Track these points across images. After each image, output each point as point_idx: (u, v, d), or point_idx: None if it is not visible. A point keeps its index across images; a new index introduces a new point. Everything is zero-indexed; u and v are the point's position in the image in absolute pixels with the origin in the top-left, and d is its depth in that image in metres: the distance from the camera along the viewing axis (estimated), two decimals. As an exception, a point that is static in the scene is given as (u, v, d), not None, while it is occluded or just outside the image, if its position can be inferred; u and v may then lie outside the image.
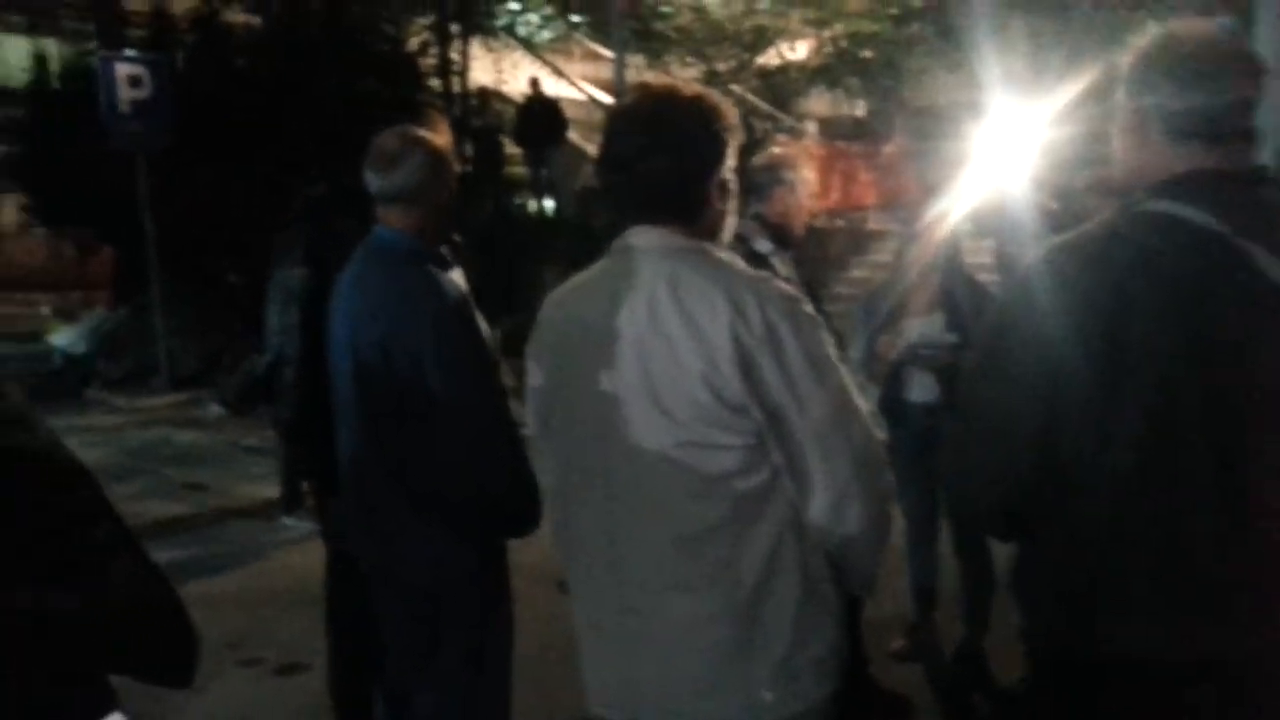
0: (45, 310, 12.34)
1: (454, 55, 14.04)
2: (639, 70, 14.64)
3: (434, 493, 2.27)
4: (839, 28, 15.85)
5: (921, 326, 3.49)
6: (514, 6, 16.75)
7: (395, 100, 9.75)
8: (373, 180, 2.35)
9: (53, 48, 12.26)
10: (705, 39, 16.86)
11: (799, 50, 16.92)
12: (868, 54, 15.87)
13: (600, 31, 16.77)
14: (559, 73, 15.82)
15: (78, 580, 1.05)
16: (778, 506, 1.56)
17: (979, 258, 3.72)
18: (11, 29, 14.52)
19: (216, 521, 5.88)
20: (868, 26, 15.46)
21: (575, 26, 18.20)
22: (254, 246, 4.59)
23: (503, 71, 15.35)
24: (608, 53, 15.00)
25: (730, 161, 1.65)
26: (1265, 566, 1.40)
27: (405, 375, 2.21)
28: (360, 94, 9.92)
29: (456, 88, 13.83)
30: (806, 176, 3.26)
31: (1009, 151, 3.48)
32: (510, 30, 16.56)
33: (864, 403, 1.63)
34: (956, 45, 12.79)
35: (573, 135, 14.03)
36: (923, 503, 3.63)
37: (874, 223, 12.61)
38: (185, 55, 10.95)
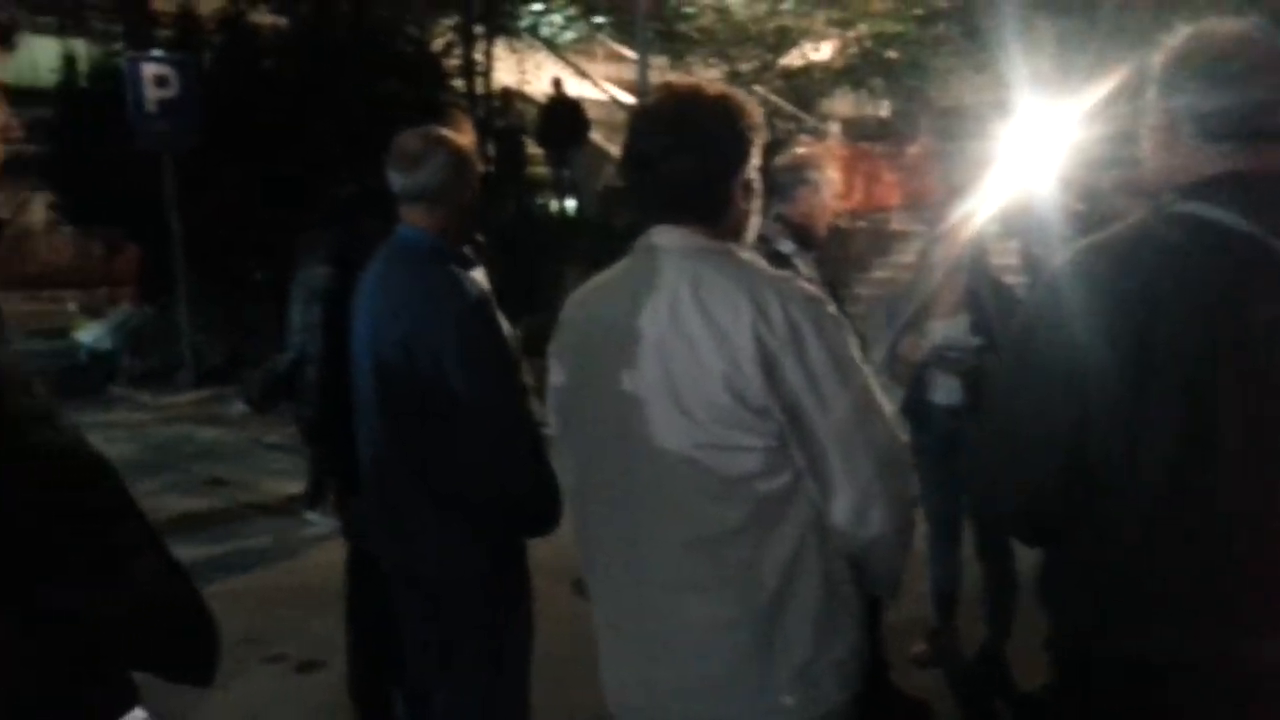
0: (72, 307, 12.49)
1: (478, 56, 14.08)
2: (662, 71, 14.62)
3: (456, 492, 2.27)
4: (863, 28, 15.77)
5: (946, 328, 3.46)
6: (537, 7, 16.77)
7: (419, 101, 9.79)
8: (396, 180, 2.35)
9: (81, 48, 12.38)
10: (728, 40, 16.82)
11: (823, 51, 16.85)
12: (892, 54, 15.79)
13: (623, 32, 16.76)
14: (582, 73, 15.83)
15: (100, 577, 1.05)
16: (800, 509, 1.54)
17: (1005, 259, 3.69)
18: (41, 30, 14.68)
19: (238, 518, 5.91)
20: (892, 27, 15.37)
21: (598, 27, 18.21)
22: (279, 245, 4.62)
23: (526, 72, 15.38)
24: (631, 53, 15.01)
25: (754, 161, 1.64)
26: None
27: (427, 375, 2.21)
28: (385, 95, 9.96)
29: (480, 88, 13.88)
30: (830, 177, 3.24)
31: (1035, 152, 3.45)
32: (534, 31, 16.59)
33: (887, 404, 1.61)
34: (982, 45, 12.71)
35: (595, 136, 14.05)
36: (945, 506, 3.61)
37: (897, 223, 12.56)
38: (212, 56, 11.05)
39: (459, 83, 13.15)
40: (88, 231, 12.88)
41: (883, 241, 12.01)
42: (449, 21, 14.24)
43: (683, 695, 1.61)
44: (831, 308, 1.57)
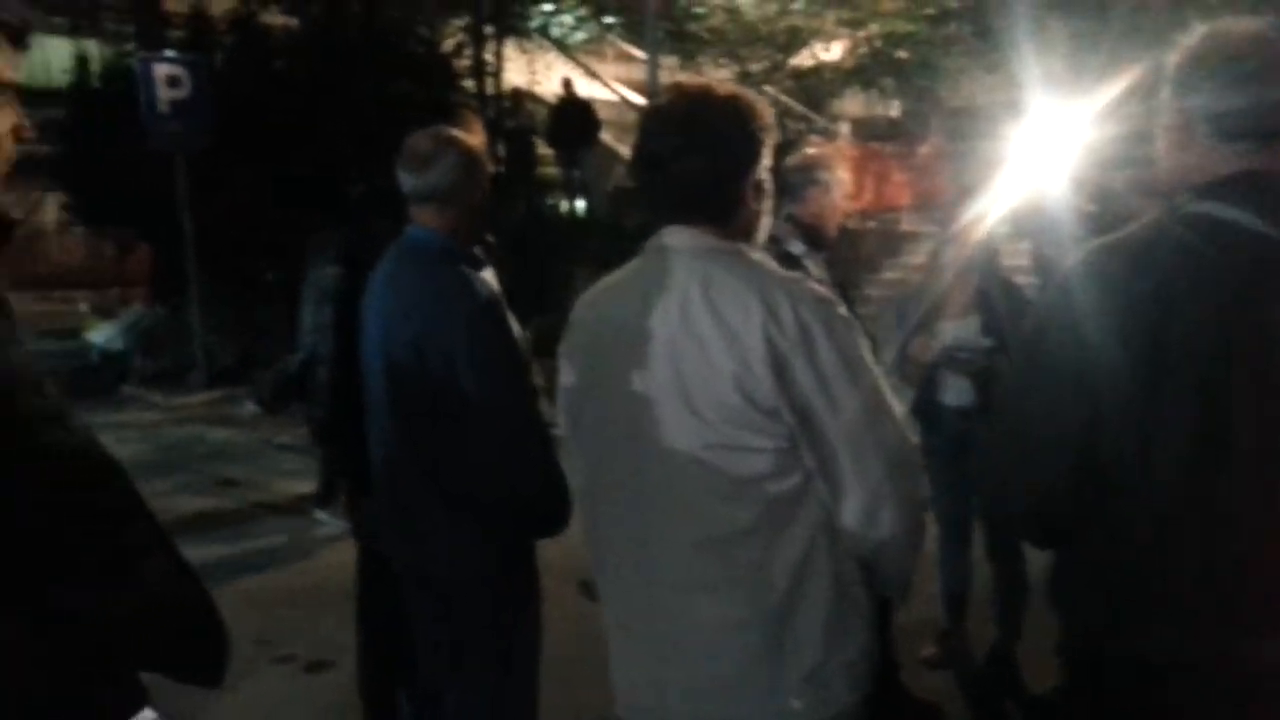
0: (84, 308, 12.55)
1: (488, 57, 14.10)
2: (672, 71, 14.62)
3: (466, 493, 2.27)
4: (874, 28, 15.73)
5: (957, 329, 3.45)
6: (548, 8, 16.80)
7: (430, 101, 9.80)
8: (406, 180, 2.35)
9: (94, 49, 12.43)
10: (739, 40, 16.79)
11: (833, 51, 16.81)
12: (903, 54, 15.74)
13: (634, 33, 16.77)
14: (592, 74, 15.84)
15: (111, 578, 1.05)
16: (810, 510, 1.54)
17: (1016, 260, 3.68)
18: (54, 30, 14.75)
19: (249, 518, 5.93)
20: (903, 27, 15.32)
21: (609, 28, 18.22)
22: (290, 246, 4.63)
23: (536, 73, 15.39)
24: (641, 54, 15.01)
25: (765, 162, 1.64)
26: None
27: (438, 375, 2.21)
28: (396, 96, 9.98)
29: (490, 89, 13.90)
30: (841, 177, 3.23)
31: (1047, 152, 3.44)
32: (544, 32, 16.61)
33: (898, 406, 1.61)
34: (994, 45, 12.66)
35: (605, 136, 14.05)
36: (956, 507, 3.60)
37: (907, 224, 12.52)
38: (224, 56, 11.08)
39: (469, 83, 13.17)
40: (100, 232, 12.94)
41: (893, 242, 11.97)
42: (459, 22, 14.26)
43: (692, 696, 1.61)
44: (842, 309, 1.57)
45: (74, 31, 14.42)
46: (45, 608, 1.01)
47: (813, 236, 3.16)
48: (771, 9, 16.62)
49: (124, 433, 7.65)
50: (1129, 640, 1.46)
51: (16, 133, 1.18)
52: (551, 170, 14.32)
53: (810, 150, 3.39)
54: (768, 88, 14.50)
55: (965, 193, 3.56)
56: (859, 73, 16.50)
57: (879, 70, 16.33)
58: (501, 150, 12.59)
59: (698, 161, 1.57)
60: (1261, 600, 1.38)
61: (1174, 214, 1.44)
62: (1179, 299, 1.36)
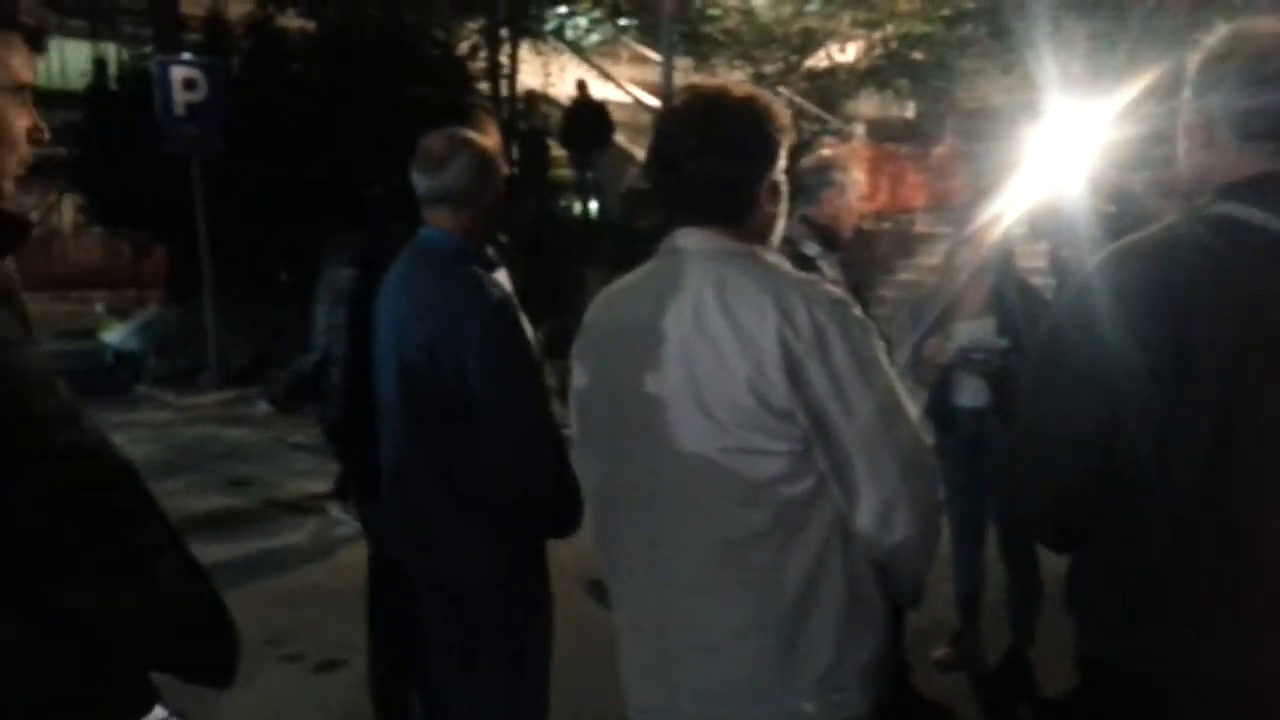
0: (100, 308, 12.65)
1: (503, 59, 14.14)
2: (686, 73, 14.63)
3: (478, 494, 2.27)
4: (890, 29, 15.69)
5: (972, 330, 3.44)
6: (563, 10, 16.83)
7: (446, 104, 9.84)
8: (420, 181, 2.35)
9: (112, 52, 12.53)
10: (753, 41, 16.78)
11: (848, 52, 16.78)
12: (918, 55, 15.70)
13: (648, 34, 16.79)
14: (606, 76, 15.86)
15: (121, 578, 1.05)
16: (823, 513, 1.53)
17: (1031, 261, 3.66)
18: (73, 34, 14.86)
19: (263, 518, 5.95)
20: (919, 28, 15.29)
21: (623, 30, 18.24)
22: (305, 248, 4.65)
23: (550, 75, 15.43)
24: (655, 56, 15.02)
25: (781, 163, 1.63)
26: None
27: (451, 377, 2.21)
28: (412, 98, 10.01)
29: (504, 91, 13.93)
30: (856, 178, 3.23)
31: (1064, 153, 3.42)
32: (559, 34, 16.65)
33: (913, 408, 1.60)
34: (1009, 46, 12.61)
35: (619, 138, 14.07)
36: (970, 508, 3.58)
37: (922, 225, 12.49)
38: (240, 59, 11.15)
39: (484, 85, 13.21)
40: (116, 233, 13.03)
41: (907, 243, 11.94)
42: (475, 25, 14.31)
43: (704, 698, 1.60)
44: (857, 310, 1.55)
45: (92, 35, 14.54)
46: (54, 607, 1.01)
47: (827, 238, 3.15)
48: (786, 10, 16.61)
49: (138, 432, 7.69)
50: (1143, 642, 1.45)
51: (32, 134, 1.18)
52: (565, 172, 14.35)
53: (825, 151, 3.38)
54: (782, 89, 14.48)
55: (981, 194, 3.55)
56: (874, 74, 16.47)
57: (894, 71, 16.30)
58: (515, 152, 12.62)
59: (713, 163, 1.56)
60: (1278, 602, 1.37)
61: (1194, 215, 1.43)
62: (1199, 300, 1.35)
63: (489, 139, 2.51)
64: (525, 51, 15.15)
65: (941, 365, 3.43)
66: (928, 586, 1.69)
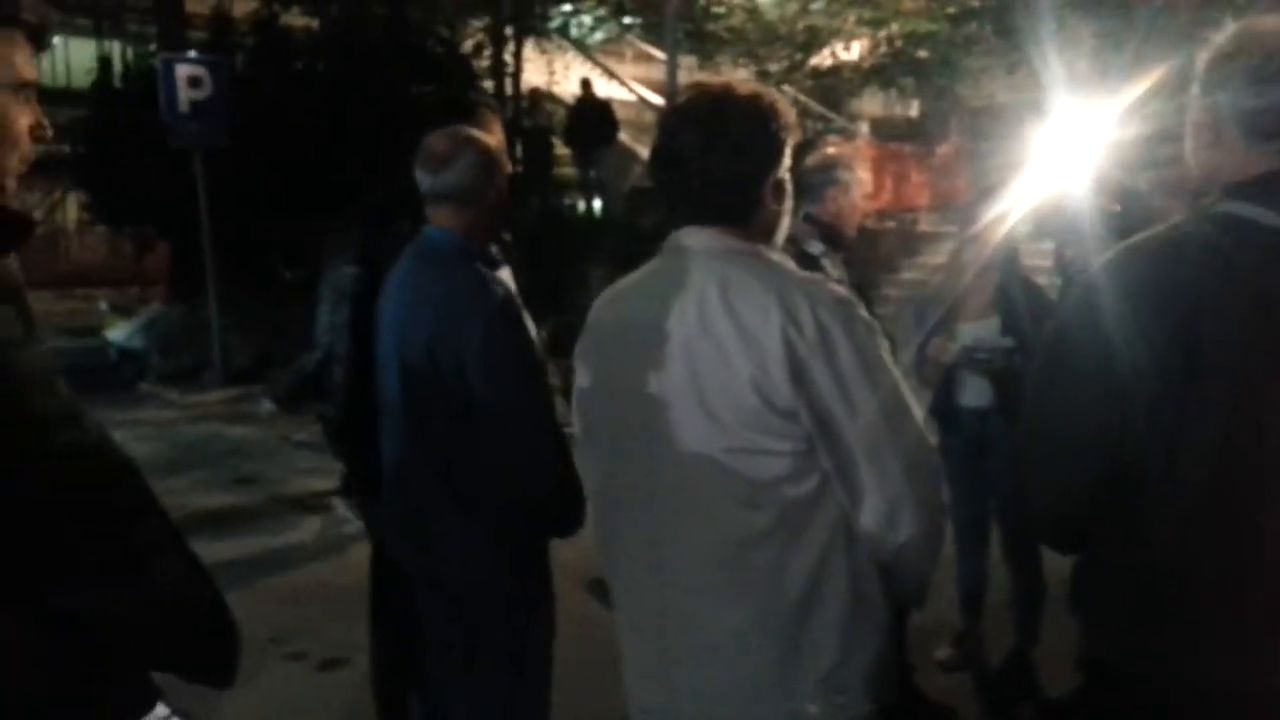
0: (104, 306, 12.68)
1: (507, 57, 14.14)
2: (691, 71, 14.61)
3: (479, 494, 2.27)
4: (895, 27, 15.67)
5: (976, 330, 3.43)
6: (567, 8, 16.82)
7: (450, 102, 9.84)
8: (423, 180, 2.34)
9: (117, 50, 12.55)
10: (758, 40, 16.77)
11: (853, 50, 16.76)
12: (923, 54, 15.68)
13: (652, 33, 16.78)
14: (611, 74, 15.86)
15: (121, 577, 1.05)
16: (827, 513, 1.52)
17: (1036, 260, 3.65)
18: (78, 32, 14.89)
19: (266, 516, 5.95)
20: (924, 26, 15.26)
21: (628, 28, 18.23)
22: (308, 245, 4.65)
23: (555, 73, 15.43)
24: (660, 54, 15.01)
25: (786, 162, 1.61)
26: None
27: (452, 376, 2.20)
28: (416, 96, 10.02)
29: (509, 89, 13.94)
30: (861, 177, 3.22)
31: (1069, 152, 3.40)
32: (563, 32, 16.64)
33: (917, 408, 1.59)
34: (1015, 44, 12.59)
35: (623, 136, 14.08)
36: (973, 508, 3.58)
37: (925, 224, 12.48)
38: (245, 57, 11.17)
39: (488, 83, 13.22)
40: (119, 231, 13.05)
41: (911, 242, 11.93)
42: (479, 23, 14.31)
43: (706, 700, 1.59)
44: (862, 310, 1.54)
45: (97, 33, 14.56)
46: (54, 607, 1.00)
47: (831, 236, 3.15)
48: (791, 8, 16.59)
49: (141, 430, 7.69)
50: (1148, 643, 1.44)
51: (34, 131, 1.18)
52: (569, 170, 14.36)
53: (829, 150, 3.37)
54: (787, 87, 14.48)
55: (985, 193, 3.54)
56: (879, 72, 16.45)
57: (899, 70, 16.28)
58: (519, 150, 12.63)
59: (718, 161, 1.55)
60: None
61: (1201, 214, 1.43)
62: (1206, 299, 1.34)
63: (493, 137, 2.50)
64: (530, 49, 15.15)
65: (945, 365, 3.43)
66: (931, 586, 1.69)
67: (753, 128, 1.56)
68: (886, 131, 15.81)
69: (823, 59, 16.84)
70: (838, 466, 1.50)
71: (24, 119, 1.16)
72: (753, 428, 1.48)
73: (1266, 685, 1.38)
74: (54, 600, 0.99)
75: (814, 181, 3.14)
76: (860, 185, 3.22)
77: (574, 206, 14.25)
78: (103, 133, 10.53)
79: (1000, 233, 3.36)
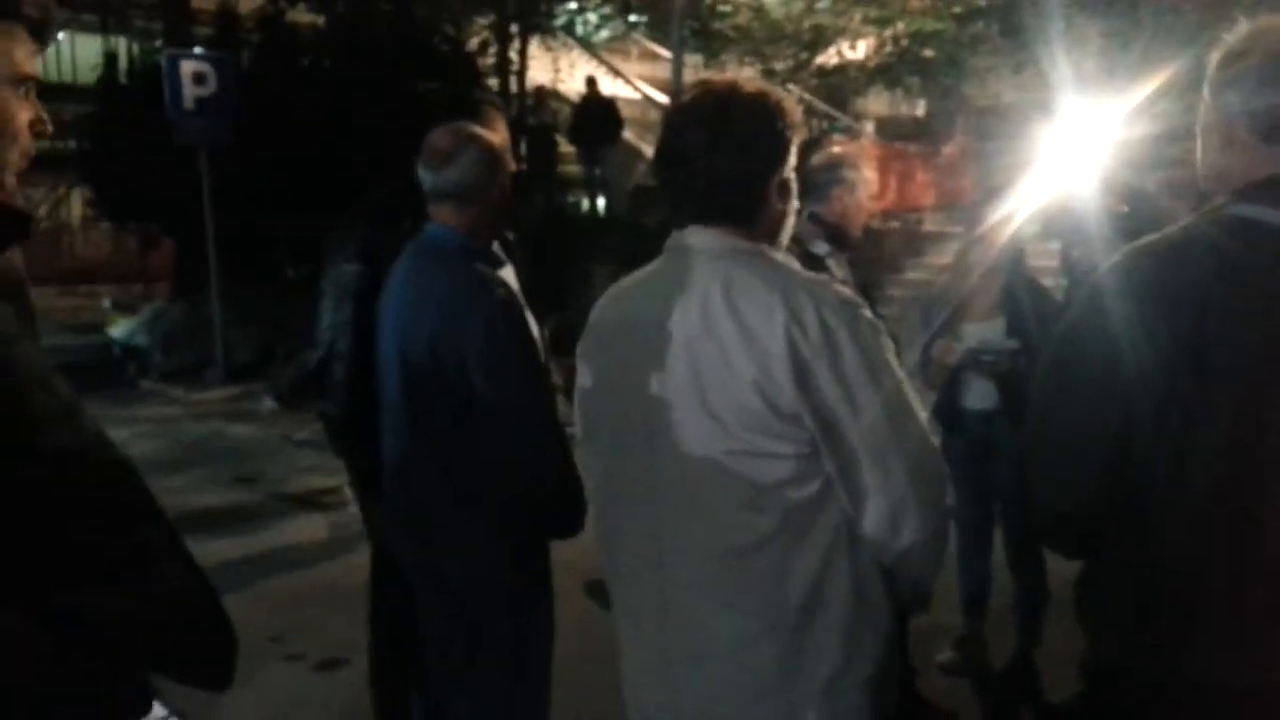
0: (107, 303, 12.70)
1: (512, 55, 14.14)
2: (696, 69, 14.61)
3: (480, 492, 2.26)
4: (901, 26, 15.64)
5: (981, 331, 3.41)
6: (573, 6, 16.81)
7: (455, 99, 9.84)
8: (426, 177, 2.33)
9: (122, 46, 12.56)
10: (763, 38, 16.75)
11: (859, 49, 16.74)
12: (929, 53, 15.65)
13: (658, 31, 16.77)
14: (616, 72, 15.85)
15: (118, 578, 1.04)
16: (830, 516, 1.51)
17: (1042, 261, 3.63)
18: (84, 28, 14.92)
19: (268, 513, 5.94)
20: (930, 25, 15.24)
21: (633, 26, 18.22)
22: (311, 243, 4.65)
23: (560, 71, 15.43)
24: (665, 52, 15.02)
25: (792, 161, 1.60)
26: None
27: (454, 374, 2.20)
28: (421, 93, 10.03)
29: (514, 87, 13.94)
30: (866, 176, 3.21)
31: (1077, 152, 3.39)
32: (569, 30, 16.64)
33: (922, 410, 1.57)
34: (1022, 44, 12.57)
35: (628, 134, 14.07)
36: (976, 511, 3.56)
37: (930, 224, 12.46)
38: (250, 54, 11.18)
39: (493, 81, 13.22)
40: (123, 228, 13.07)
41: (916, 242, 11.92)
42: (485, 20, 14.31)
43: (706, 703, 1.58)
44: (867, 312, 1.53)
45: (103, 29, 14.58)
46: (57, 606, 0.99)
47: (836, 236, 3.13)
48: (797, 7, 16.57)
49: (143, 427, 7.70)
50: (1155, 648, 1.43)
51: (35, 127, 1.17)
52: (573, 168, 14.36)
53: (835, 149, 3.36)
54: (792, 86, 14.45)
55: (992, 193, 3.52)
56: (884, 71, 16.42)
57: (905, 69, 16.24)
58: (524, 148, 12.63)
59: (723, 160, 1.53)
60: None
61: (1210, 216, 1.42)
62: (1214, 302, 1.33)
63: (497, 135, 2.49)
64: (535, 47, 15.15)
65: (950, 366, 3.41)
66: (933, 590, 1.67)
67: (758, 126, 1.55)
68: (892, 131, 15.78)
69: (828, 58, 16.80)
70: (841, 469, 1.48)
71: (24, 114, 1.15)
72: (755, 430, 1.46)
73: (1267, 681, 1.37)
74: (58, 597, 0.98)
75: (819, 181, 3.13)
76: (866, 185, 3.20)
77: (578, 204, 14.26)
78: (108, 129, 10.54)
79: (1006, 233, 3.35)
